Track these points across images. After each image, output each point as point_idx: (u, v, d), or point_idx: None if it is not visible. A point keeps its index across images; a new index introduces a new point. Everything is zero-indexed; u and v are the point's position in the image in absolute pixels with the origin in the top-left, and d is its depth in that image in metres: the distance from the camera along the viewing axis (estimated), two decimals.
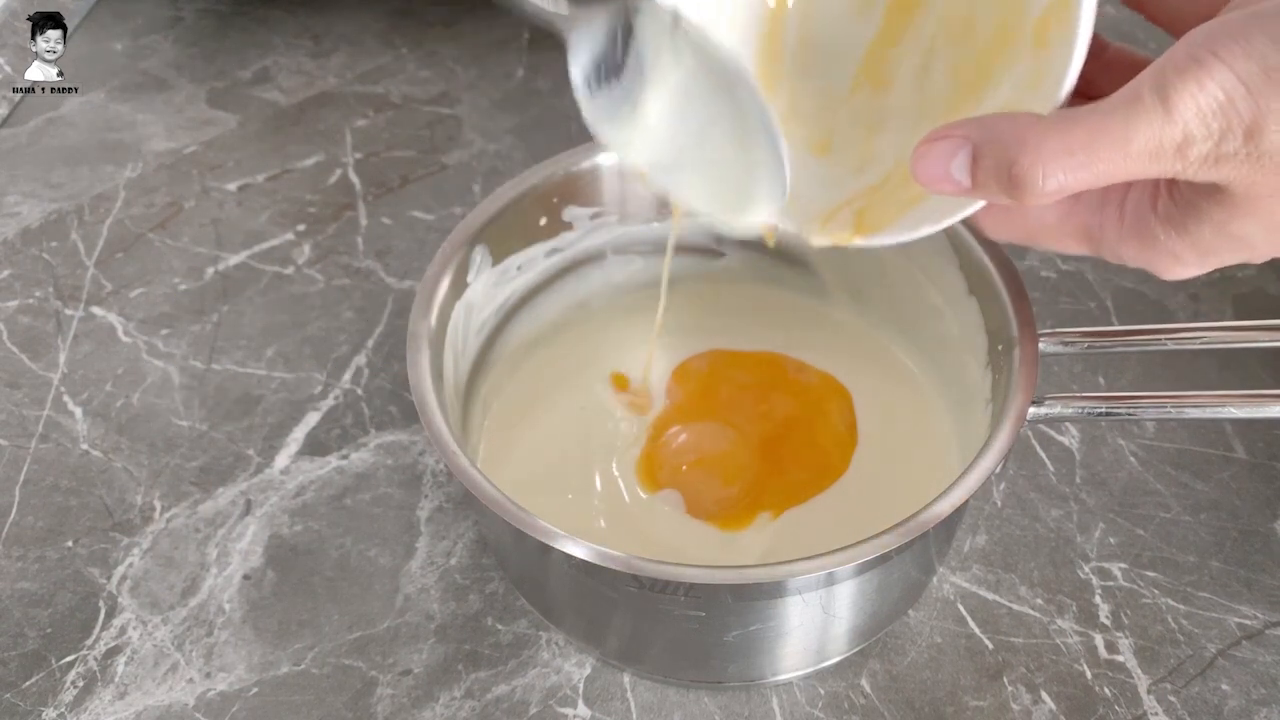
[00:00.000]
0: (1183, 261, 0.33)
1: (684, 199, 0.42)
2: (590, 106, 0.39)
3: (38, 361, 0.59)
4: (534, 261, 0.51)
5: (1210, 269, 0.34)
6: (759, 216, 0.41)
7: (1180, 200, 0.32)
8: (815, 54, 0.42)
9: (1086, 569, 0.49)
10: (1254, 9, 0.30)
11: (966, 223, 0.48)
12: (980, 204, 0.35)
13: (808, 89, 0.43)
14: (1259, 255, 0.33)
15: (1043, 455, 0.53)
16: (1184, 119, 0.29)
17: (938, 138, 0.33)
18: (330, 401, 0.56)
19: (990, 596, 0.48)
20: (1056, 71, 0.33)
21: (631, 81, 0.40)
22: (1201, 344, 0.44)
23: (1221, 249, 0.33)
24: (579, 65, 0.39)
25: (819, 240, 0.40)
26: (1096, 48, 0.35)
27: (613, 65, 0.39)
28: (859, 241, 0.39)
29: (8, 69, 0.71)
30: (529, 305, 0.52)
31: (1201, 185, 0.31)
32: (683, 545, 0.47)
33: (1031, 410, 0.41)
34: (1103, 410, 0.42)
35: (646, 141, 0.41)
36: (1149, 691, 0.45)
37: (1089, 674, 0.46)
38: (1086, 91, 0.33)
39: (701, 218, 0.42)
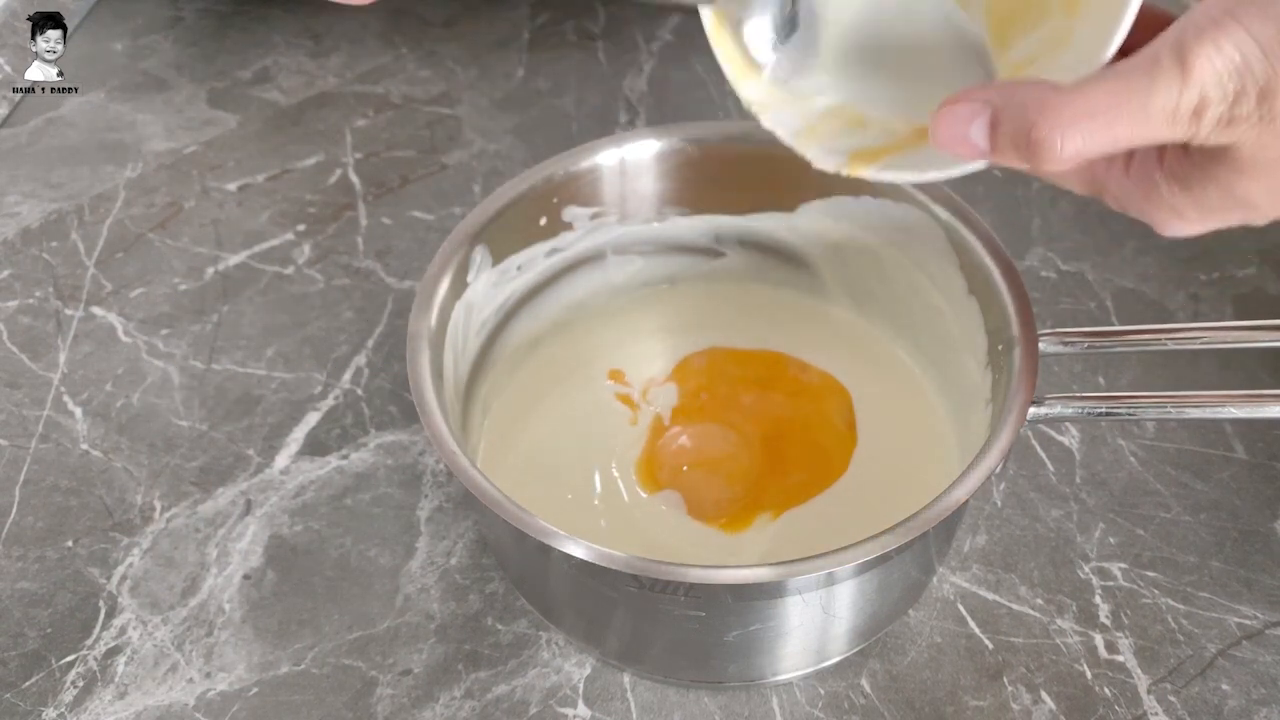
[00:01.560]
0: (1184, 218, 0.34)
1: (902, 116, 0.40)
2: (776, 69, 0.39)
3: (38, 361, 0.59)
4: (534, 261, 0.51)
5: (1210, 228, 0.34)
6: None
7: (1187, 159, 0.32)
8: None
9: (1086, 569, 0.49)
10: None
11: (966, 220, 0.48)
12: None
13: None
14: (1261, 217, 0.33)
15: (1043, 455, 0.53)
16: (1201, 81, 0.29)
17: (957, 101, 0.33)
18: (330, 401, 0.56)
19: (990, 596, 0.48)
20: (1087, 43, 0.33)
21: (809, 29, 0.40)
22: (1201, 344, 0.44)
23: (1224, 208, 0.33)
24: (760, 31, 0.39)
25: (813, 155, 0.39)
26: None
27: (788, 19, 0.39)
28: (859, 171, 0.38)
29: (8, 69, 0.71)
30: (529, 305, 0.52)
31: (1212, 147, 0.31)
32: (683, 546, 0.47)
33: (1031, 410, 0.41)
34: (1103, 410, 0.42)
35: (842, 81, 0.40)
36: (1149, 691, 0.45)
37: (1089, 674, 0.46)
38: None
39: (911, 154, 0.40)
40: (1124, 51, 0.32)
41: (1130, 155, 0.34)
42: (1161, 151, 0.33)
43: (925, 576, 0.46)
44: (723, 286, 0.56)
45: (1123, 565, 0.49)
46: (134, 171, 0.69)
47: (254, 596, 0.49)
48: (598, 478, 0.49)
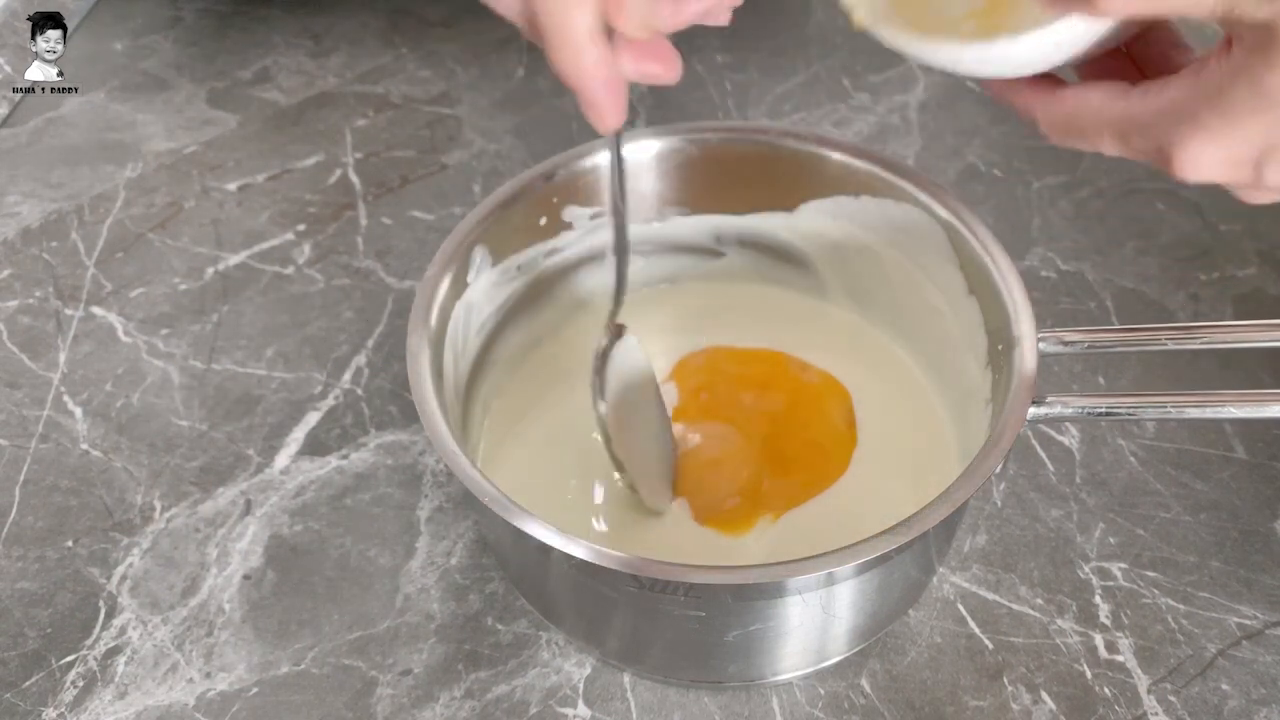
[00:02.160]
0: (1206, 127, 0.33)
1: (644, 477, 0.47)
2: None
3: (38, 361, 0.59)
4: (534, 261, 0.51)
5: (1227, 151, 0.33)
6: (655, 506, 0.48)
7: (1226, 58, 0.32)
8: None
9: (1086, 569, 0.49)
10: None
11: (966, 220, 0.48)
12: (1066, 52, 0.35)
13: None
14: None
15: (1043, 455, 0.53)
16: None
17: None
18: (330, 401, 0.56)
19: (990, 596, 0.48)
20: None
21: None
22: (1201, 344, 0.44)
23: (1249, 110, 0.32)
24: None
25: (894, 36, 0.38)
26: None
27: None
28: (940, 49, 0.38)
29: (8, 69, 0.71)
30: (529, 305, 0.52)
31: (1251, 25, 0.31)
32: (683, 546, 0.47)
33: (1031, 410, 0.41)
34: (1103, 410, 0.42)
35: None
36: (1149, 691, 0.45)
37: (1089, 674, 0.46)
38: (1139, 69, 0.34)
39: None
40: (1131, 57, 0.32)
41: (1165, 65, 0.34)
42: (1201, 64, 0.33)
43: (925, 576, 0.46)
44: (723, 286, 0.56)
45: (1123, 565, 0.49)
46: (134, 171, 0.69)
47: (254, 596, 0.49)
48: (598, 478, 0.49)
